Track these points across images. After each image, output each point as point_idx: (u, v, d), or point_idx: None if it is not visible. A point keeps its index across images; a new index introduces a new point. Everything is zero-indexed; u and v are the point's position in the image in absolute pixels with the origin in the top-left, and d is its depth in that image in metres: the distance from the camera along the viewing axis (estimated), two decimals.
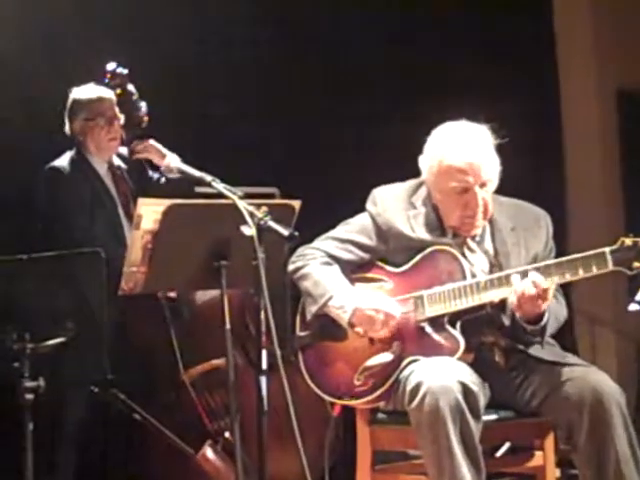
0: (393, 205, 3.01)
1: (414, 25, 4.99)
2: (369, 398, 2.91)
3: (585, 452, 2.75)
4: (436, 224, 2.98)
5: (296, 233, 2.67)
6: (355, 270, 3.04)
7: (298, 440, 2.59)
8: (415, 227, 2.98)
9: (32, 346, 2.94)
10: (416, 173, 3.03)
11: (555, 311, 2.93)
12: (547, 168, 5.32)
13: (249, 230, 2.64)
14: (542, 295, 2.76)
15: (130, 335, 3.67)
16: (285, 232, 2.65)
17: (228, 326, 2.84)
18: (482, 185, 2.91)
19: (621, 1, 5.55)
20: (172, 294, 3.67)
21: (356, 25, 4.90)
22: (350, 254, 3.03)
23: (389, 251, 3.01)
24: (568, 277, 2.78)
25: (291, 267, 3.05)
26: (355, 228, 3.05)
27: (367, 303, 2.91)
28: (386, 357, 2.90)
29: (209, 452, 3.51)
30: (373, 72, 4.92)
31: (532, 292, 2.76)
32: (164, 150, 3.75)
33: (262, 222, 2.65)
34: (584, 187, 5.59)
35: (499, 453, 3.69)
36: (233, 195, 2.73)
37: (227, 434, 3.56)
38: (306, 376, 3.01)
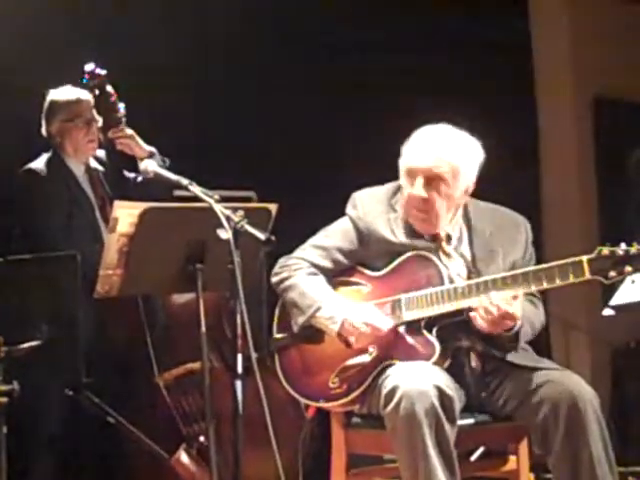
0: (373, 208, 3.02)
1: (398, 32, 5.02)
2: (343, 401, 2.91)
3: (560, 455, 2.77)
4: (413, 227, 2.99)
5: (272, 237, 2.67)
6: (336, 274, 3.04)
7: (274, 444, 2.59)
8: (395, 230, 2.98)
9: (6, 349, 2.92)
10: (395, 177, 3.04)
11: (531, 318, 2.94)
12: (523, 175, 5.34)
13: (225, 234, 2.64)
14: (505, 317, 2.77)
15: (106, 338, 3.65)
16: (261, 236, 2.65)
17: (204, 329, 2.84)
18: (430, 179, 2.89)
19: (598, 10, 5.60)
20: None
21: (341, 28, 4.91)
22: (333, 262, 3.02)
23: (370, 255, 3.01)
24: (545, 285, 2.79)
25: (275, 279, 3.04)
26: (336, 234, 3.05)
27: (357, 315, 2.90)
28: (362, 360, 2.91)
29: (183, 456, 3.50)
30: (354, 75, 4.93)
31: (494, 314, 2.76)
32: (142, 143, 3.74)
33: (238, 226, 2.65)
34: (560, 194, 5.62)
35: (473, 457, 3.70)
36: (210, 198, 2.72)
37: (202, 438, 3.55)
38: (282, 378, 3.01)
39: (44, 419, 3.60)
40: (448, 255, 2.99)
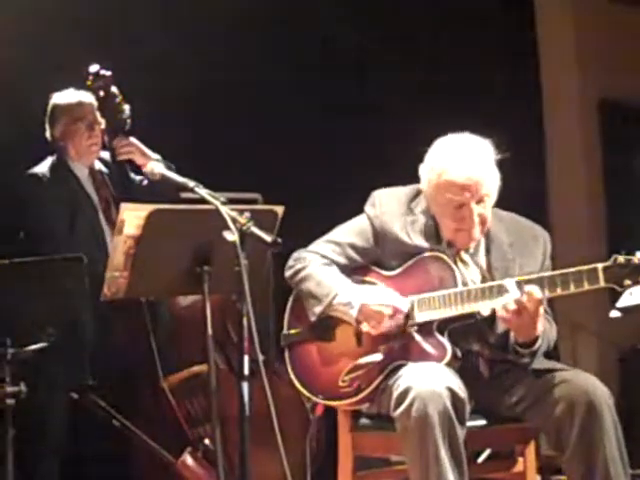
0: (392, 209, 3.00)
1: (402, 36, 5.02)
2: (352, 400, 2.91)
3: (574, 454, 2.75)
4: (433, 232, 2.97)
5: (279, 239, 2.67)
6: (349, 272, 3.03)
7: (280, 446, 2.58)
8: (411, 233, 2.97)
9: (13, 351, 2.92)
10: (404, 178, 3.02)
11: (547, 335, 2.91)
12: (529, 179, 5.32)
13: (232, 236, 2.63)
14: (537, 307, 2.74)
15: (110, 341, 3.65)
16: (268, 238, 2.65)
17: (210, 332, 2.84)
18: (479, 201, 2.89)
19: (603, 12, 5.59)
20: None
21: (341, 29, 4.91)
22: (346, 258, 3.02)
23: (384, 254, 3.00)
24: (559, 291, 2.77)
25: (289, 271, 3.03)
26: (352, 231, 3.04)
27: (374, 298, 2.89)
28: (373, 359, 2.90)
29: (189, 459, 3.49)
30: (361, 75, 4.93)
31: (528, 304, 2.73)
32: (147, 151, 3.73)
33: (245, 228, 2.65)
34: (567, 197, 5.61)
35: (481, 459, 3.69)
36: (216, 200, 2.72)
37: (207, 441, 3.54)
38: (291, 375, 3.00)
39: (50, 421, 3.60)
40: (464, 262, 2.97)
